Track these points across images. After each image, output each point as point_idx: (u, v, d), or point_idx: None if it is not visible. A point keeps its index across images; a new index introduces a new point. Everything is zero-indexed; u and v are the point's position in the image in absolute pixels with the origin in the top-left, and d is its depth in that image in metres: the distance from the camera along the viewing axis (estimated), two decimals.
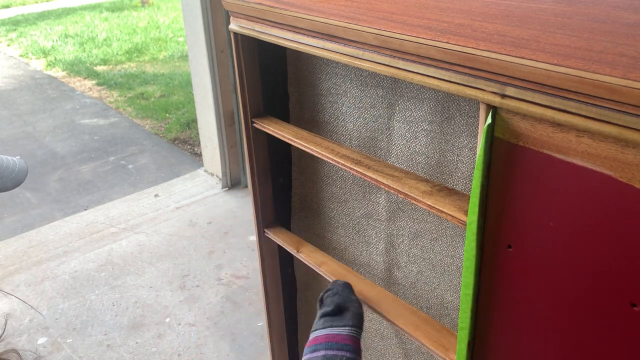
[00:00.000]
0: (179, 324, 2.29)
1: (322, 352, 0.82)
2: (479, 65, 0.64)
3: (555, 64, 0.57)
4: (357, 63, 0.83)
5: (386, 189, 0.91)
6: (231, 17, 1.10)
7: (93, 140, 4.16)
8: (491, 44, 0.64)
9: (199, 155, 3.77)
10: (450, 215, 0.79)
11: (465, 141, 0.94)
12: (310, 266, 1.20)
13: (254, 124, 1.19)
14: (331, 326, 0.89)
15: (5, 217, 3.19)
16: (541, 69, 0.58)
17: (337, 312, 0.92)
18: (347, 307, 0.93)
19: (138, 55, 6.37)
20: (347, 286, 1.01)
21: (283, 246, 1.28)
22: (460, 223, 0.77)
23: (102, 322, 2.32)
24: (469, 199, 0.73)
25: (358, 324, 0.89)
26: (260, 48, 1.16)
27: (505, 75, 0.62)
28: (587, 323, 0.65)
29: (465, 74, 0.67)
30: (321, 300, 0.99)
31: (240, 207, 3.13)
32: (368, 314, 1.33)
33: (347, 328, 0.86)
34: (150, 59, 6.26)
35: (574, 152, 0.60)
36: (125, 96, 5.05)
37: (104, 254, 2.77)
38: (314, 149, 1.04)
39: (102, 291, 2.51)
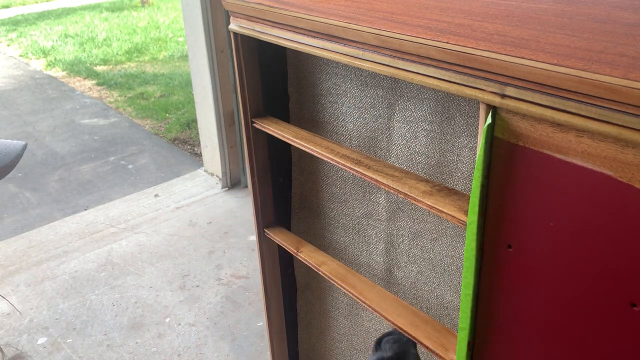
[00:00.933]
0: (179, 324, 2.29)
1: None
2: (478, 65, 0.64)
3: (555, 64, 0.57)
4: (357, 63, 0.83)
5: (386, 189, 0.91)
6: (231, 17, 1.10)
7: (93, 140, 4.16)
8: (491, 44, 0.64)
9: (199, 155, 3.78)
10: (450, 215, 0.79)
11: (465, 141, 0.94)
12: (310, 266, 1.20)
13: (254, 124, 1.19)
14: None
15: (5, 217, 3.19)
16: (541, 69, 0.58)
17: (386, 344, 0.90)
18: (392, 337, 0.90)
19: (138, 55, 6.37)
20: (410, 340, 0.96)
21: (283, 246, 1.28)
22: (460, 223, 0.77)
23: (102, 322, 2.32)
24: (469, 199, 0.73)
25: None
26: (260, 48, 1.16)
27: (505, 75, 0.62)
28: (587, 323, 0.65)
29: (465, 74, 0.67)
30: (379, 343, 0.96)
31: (240, 207, 3.13)
32: (368, 314, 1.33)
33: None
34: (150, 59, 6.26)
35: (573, 152, 0.60)
36: (125, 96, 5.05)
37: (104, 254, 2.77)
38: (314, 149, 1.04)
39: (102, 291, 2.51)
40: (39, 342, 2.22)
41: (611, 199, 0.58)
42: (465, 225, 0.75)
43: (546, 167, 0.63)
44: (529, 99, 0.61)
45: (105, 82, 5.42)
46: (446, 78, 0.70)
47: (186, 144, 4.06)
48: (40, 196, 3.39)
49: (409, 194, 0.86)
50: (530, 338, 0.73)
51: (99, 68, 5.93)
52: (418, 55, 0.72)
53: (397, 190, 0.88)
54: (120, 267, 2.67)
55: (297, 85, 1.24)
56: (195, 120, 4.11)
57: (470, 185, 0.94)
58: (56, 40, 7.02)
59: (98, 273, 2.63)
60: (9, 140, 0.83)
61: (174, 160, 3.82)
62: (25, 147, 0.86)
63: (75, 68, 5.90)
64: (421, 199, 0.84)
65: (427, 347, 0.94)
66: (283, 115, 1.26)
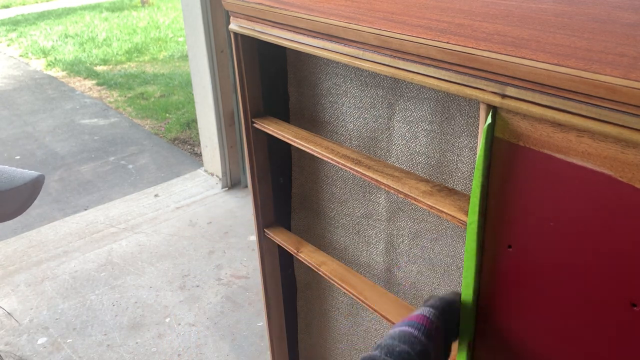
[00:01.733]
0: (179, 324, 2.29)
1: (394, 329, 0.79)
2: (479, 65, 0.64)
3: (556, 64, 0.57)
4: (357, 63, 0.83)
5: (386, 189, 0.91)
6: (231, 17, 1.10)
7: (93, 140, 4.16)
8: (491, 44, 0.64)
9: (199, 155, 3.77)
10: (451, 215, 0.79)
11: (466, 141, 0.94)
12: (310, 266, 1.20)
13: (254, 124, 1.19)
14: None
15: None
16: (541, 69, 0.58)
17: (427, 299, 0.87)
18: (439, 295, 0.87)
19: (138, 55, 6.37)
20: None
21: (283, 246, 1.28)
22: (461, 223, 0.77)
23: (102, 322, 2.32)
24: (469, 199, 0.73)
25: (437, 305, 0.81)
26: (260, 48, 1.16)
27: (505, 75, 0.62)
28: (587, 323, 0.65)
29: (465, 74, 0.67)
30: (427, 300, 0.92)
31: (240, 207, 3.13)
32: (368, 314, 1.33)
33: (422, 308, 0.81)
34: (150, 59, 6.26)
35: (574, 152, 0.60)
36: (125, 96, 5.05)
37: (104, 254, 2.77)
38: (314, 149, 1.04)
39: (102, 291, 2.51)
40: (39, 342, 2.22)
41: (611, 198, 0.58)
42: (466, 225, 0.75)
43: (546, 167, 0.63)
44: (529, 99, 0.61)
45: (105, 82, 5.41)
46: (446, 78, 0.70)
47: (186, 144, 4.06)
48: (40, 196, 3.39)
49: (409, 194, 0.86)
50: (530, 338, 0.73)
51: (99, 68, 5.93)
52: (418, 55, 0.72)
53: (397, 190, 0.88)
54: (120, 267, 2.67)
55: (297, 85, 1.24)
56: (195, 120, 4.11)
57: (470, 185, 0.94)
58: (56, 40, 7.02)
59: (98, 273, 2.63)
60: (19, 169, 0.76)
61: (174, 160, 3.82)
62: (39, 178, 0.74)
63: (75, 68, 5.89)
64: (421, 199, 0.84)
65: None
66: (283, 115, 1.26)
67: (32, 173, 0.75)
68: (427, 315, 0.78)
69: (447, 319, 0.80)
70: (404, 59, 0.75)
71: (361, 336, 1.39)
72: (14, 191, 0.72)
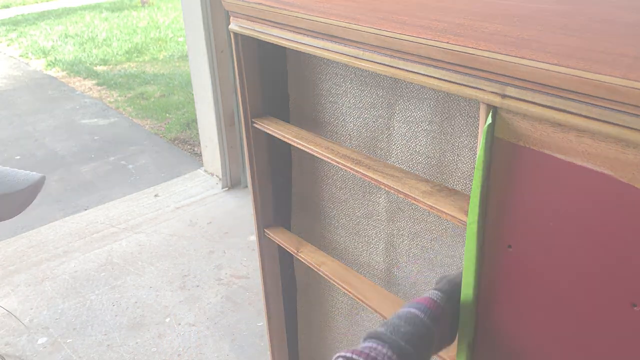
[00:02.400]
0: (179, 324, 2.29)
1: (402, 308, 0.81)
2: (479, 65, 0.64)
3: (556, 64, 0.57)
4: (357, 63, 0.83)
5: (386, 189, 0.91)
6: (231, 17, 1.10)
7: (93, 140, 4.16)
8: (491, 44, 0.64)
9: (199, 155, 3.77)
10: (451, 215, 0.79)
11: (466, 141, 0.94)
12: (310, 266, 1.20)
13: (254, 124, 1.19)
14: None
15: None
16: (542, 69, 0.58)
17: (438, 282, 0.88)
18: (448, 278, 0.87)
19: (138, 55, 6.37)
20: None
21: (283, 246, 1.28)
22: (461, 223, 0.77)
23: (102, 322, 2.32)
24: (469, 199, 0.73)
25: (445, 289, 0.83)
26: (260, 48, 1.16)
27: (505, 75, 0.62)
28: (587, 323, 0.65)
29: (465, 74, 0.67)
30: (439, 282, 0.92)
31: (240, 207, 3.13)
32: (368, 314, 1.33)
33: (431, 291, 0.83)
34: (150, 59, 6.26)
35: (574, 152, 0.60)
36: (125, 96, 5.05)
37: (104, 254, 2.77)
38: (314, 149, 1.04)
39: (102, 291, 2.51)
40: (39, 342, 2.22)
41: (612, 199, 0.58)
42: (466, 225, 0.75)
43: (546, 167, 0.63)
44: (530, 99, 0.61)
45: (105, 82, 5.41)
46: (446, 78, 0.70)
47: (186, 144, 4.06)
48: (40, 196, 3.38)
49: (409, 194, 0.86)
50: (530, 338, 0.73)
51: (99, 68, 5.93)
52: (418, 56, 0.72)
53: (398, 190, 0.88)
54: (120, 267, 2.67)
55: (297, 85, 1.24)
56: (195, 120, 4.10)
57: (470, 185, 0.94)
58: (56, 40, 7.02)
59: (98, 273, 2.63)
60: (22, 171, 0.77)
61: (174, 160, 3.82)
62: (41, 180, 0.77)
63: (75, 68, 5.89)
64: (421, 199, 0.84)
65: None
66: (283, 115, 1.26)
67: (35, 175, 0.76)
68: (435, 298, 0.80)
69: (454, 302, 0.81)
70: (404, 59, 0.75)
71: (361, 336, 1.39)
72: (17, 193, 0.73)
